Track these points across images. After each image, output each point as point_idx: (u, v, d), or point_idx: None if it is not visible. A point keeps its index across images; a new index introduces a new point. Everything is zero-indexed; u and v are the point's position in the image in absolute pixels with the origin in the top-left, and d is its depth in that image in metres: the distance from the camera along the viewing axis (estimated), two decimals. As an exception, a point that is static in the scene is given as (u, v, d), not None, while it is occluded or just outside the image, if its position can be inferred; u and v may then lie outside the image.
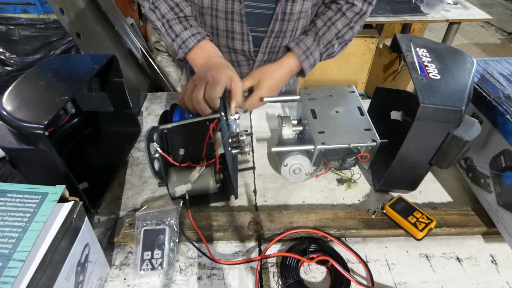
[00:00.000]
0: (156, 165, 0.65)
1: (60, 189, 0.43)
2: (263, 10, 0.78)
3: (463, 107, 0.52)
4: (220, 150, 0.65)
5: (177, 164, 0.63)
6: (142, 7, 0.81)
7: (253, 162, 0.77)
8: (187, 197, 0.62)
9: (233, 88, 0.69)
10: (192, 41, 0.76)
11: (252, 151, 0.81)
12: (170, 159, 0.63)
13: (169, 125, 0.66)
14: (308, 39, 0.81)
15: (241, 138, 0.69)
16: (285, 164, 0.66)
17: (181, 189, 0.61)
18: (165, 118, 0.70)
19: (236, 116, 0.65)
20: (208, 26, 0.83)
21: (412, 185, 0.68)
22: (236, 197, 0.67)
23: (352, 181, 0.72)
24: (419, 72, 0.58)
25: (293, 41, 0.83)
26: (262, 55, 0.87)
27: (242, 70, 0.90)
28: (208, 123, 0.66)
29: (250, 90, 0.79)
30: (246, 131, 0.86)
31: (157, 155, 0.64)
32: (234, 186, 0.66)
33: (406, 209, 0.62)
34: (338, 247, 0.59)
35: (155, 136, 0.67)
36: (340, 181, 0.73)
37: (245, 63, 0.89)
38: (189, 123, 0.67)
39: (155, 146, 0.62)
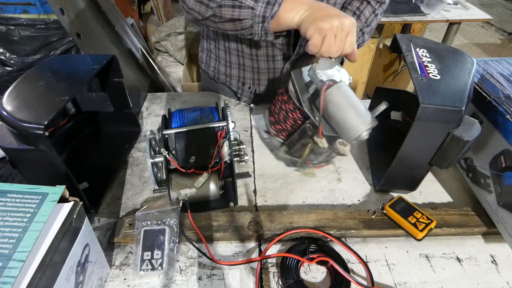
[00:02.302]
0: (156, 170, 0.65)
1: (60, 189, 0.43)
2: None
3: (463, 107, 0.52)
4: (225, 158, 0.66)
5: (183, 170, 0.63)
6: (182, 2, 0.73)
7: (253, 162, 0.78)
8: (187, 198, 0.62)
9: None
10: None
11: (252, 151, 0.81)
12: (176, 164, 0.63)
13: (175, 130, 0.66)
14: None
15: (241, 146, 0.69)
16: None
17: (185, 192, 0.61)
18: (166, 122, 0.70)
19: (232, 124, 0.66)
20: None
21: (412, 185, 0.68)
22: (236, 204, 0.67)
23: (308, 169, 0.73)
24: (419, 72, 0.58)
25: None
26: (298, 48, 0.86)
27: (276, 66, 0.90)
28: (216, 131, 0.67)
29: None
30: (246, 131, 0.86)
31: (160, 159, 0.64)
32: (235, 194, 0.67)
33: (406, 209, 0.62)
34: (338, 247, 0.59)
35: (156, 140, 0.67)
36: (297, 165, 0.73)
37: (280, 58, 0.89)
38: (195, 130, 0.67)
39: (162, 151, 0.63)
